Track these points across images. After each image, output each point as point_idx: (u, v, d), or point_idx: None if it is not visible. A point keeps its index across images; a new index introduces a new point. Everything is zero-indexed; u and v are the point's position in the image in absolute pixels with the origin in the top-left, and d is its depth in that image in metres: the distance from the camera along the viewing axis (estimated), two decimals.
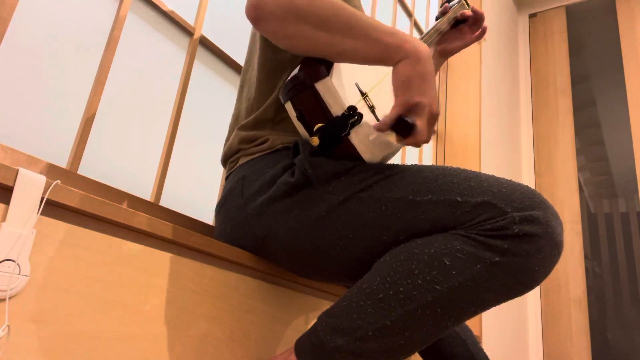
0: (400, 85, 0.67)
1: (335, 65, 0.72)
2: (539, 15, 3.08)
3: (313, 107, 0.71)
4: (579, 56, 2.88)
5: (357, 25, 0.67)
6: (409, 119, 0.66)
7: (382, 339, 0.62)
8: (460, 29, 1.04)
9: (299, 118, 0.72)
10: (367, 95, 0.75)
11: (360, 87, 0.75)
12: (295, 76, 0.72)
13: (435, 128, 2.04)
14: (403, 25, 2.07)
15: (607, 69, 2.76)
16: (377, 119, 0.75)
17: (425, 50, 0.68)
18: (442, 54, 1.06)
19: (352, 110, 0.70)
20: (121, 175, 0.89)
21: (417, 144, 0.68)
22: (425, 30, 1.91)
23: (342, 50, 0.68)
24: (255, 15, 0.67)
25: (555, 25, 3.00)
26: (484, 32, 1.03)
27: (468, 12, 1.02)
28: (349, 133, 0.71)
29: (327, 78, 0.70)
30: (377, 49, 0.67)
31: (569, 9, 3.01)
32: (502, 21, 2.74)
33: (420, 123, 0.66)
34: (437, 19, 1.02)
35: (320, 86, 0.70)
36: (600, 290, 2.43)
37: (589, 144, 2.70)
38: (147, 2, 0.98)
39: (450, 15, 1.01)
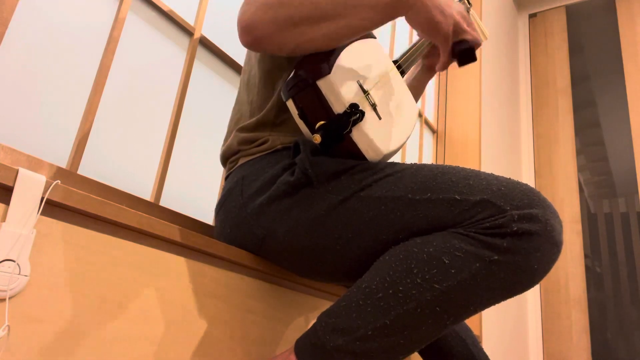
0: (428, 30, 0.70)
1: (337, 62, 0.72)
2: (539, 15, 3.08)
3: (315, 104, 0.71)
4: (579, 56, 2.88)
5: (348, 2, 0.66)
6: (464, 46, 0.72)
7: (381, 339, 0.62)
8: None
9: (301, 116, 0.72)
10: (369, 93, 0.75)
11: (363, 85, 0.75)
12: (296, 74, 0.72)
13: (432, 123, 2.03)
14: (403, 24, 2.07)
15: (607, 69, 2.76)
16: (379, 117, 0.75)
17: None
18: (430, 69, 1.01)
19: (354, 107, 0.70)
20: (121, 175, 0.89)
21: (479, 46, 0.76)
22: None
23: (347, 30, 0.68)
24: (250, 40, 0.67)
25: (555, 25, 3.00)
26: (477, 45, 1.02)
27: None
28: (350, 131, 0.71)
29: (329, 75, 0.70)
30: (379, 12, 0.67)
31: (569, 9, 3.01)
32: (502, 21, 2.74)
33: (468, 36, 0.73)
34: None
35: (322, 84, 0.70)
36: (600, 290, 2.43)
37: (589, 144, 2.70)
38: (147, 2, 0.98)
39: None
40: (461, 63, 0.73)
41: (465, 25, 0.73)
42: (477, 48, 0.76)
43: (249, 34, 0.67)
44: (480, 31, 1.05)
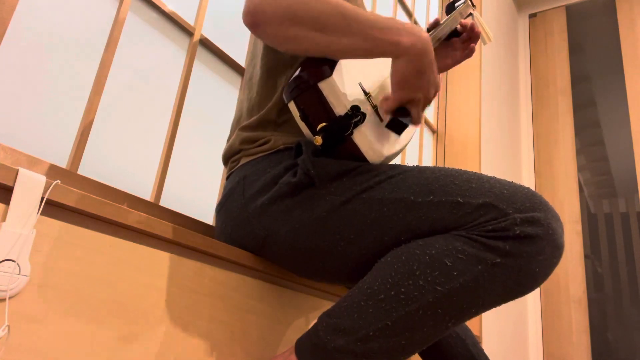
0: (397, 83, 0.69)
1: (339, 64, 0.72)
2: (539, 15, 3.08)
3: (316, 106, 0.71)
4: (579, 56, 2.88)
5: (354, 22, 0.67)
6: (402, 117, 0.70)
7: (382, 340, 0.61)
8: (453, 43, 1.01)
9: (302, 118, 0.72)
10: (370, 95, 0.75)
11: (364, 87, 0.75)
12: (298, 76, 0.72)
13: (432, 123, 2.03)
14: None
15: (607, 69, 2.76)
16: (380, 119, 0.76)
17: (423, 41, 0.68)
18: None
19: (355, 109, 0.70)
20: (121, 175, 0.89)
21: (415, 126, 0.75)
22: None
23: (340, 49, 0.68)
24: (252, 21, 0.68)
25: (555, 25, 3.00)
26: (472, 52, 1.00)
27: (466, 21, 0.99)
28: (352, 133, 0.71)
29: (331, 78, 0.70)
30: (375, 46, 0.68)
31: (569, 9, 3.01)
32: (502, 21, 2.74)
33: (415, 113, 0.72)
34: (431, 29, 0.98)
35: (323, 86, 0.70)
36: (600, 290, 2.43)
37: (589, 144, 2.70)
38: (147, 3, 0.98)
39: (455, 15, 0.98)
40: (387, 125, 0.71)
41: (421, 105, 0.71)
42: (414, 124, 0.73)
43: (253, 16, 0.68)
44: (484, 33, 1.05)
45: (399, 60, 0.68)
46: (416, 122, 0.72)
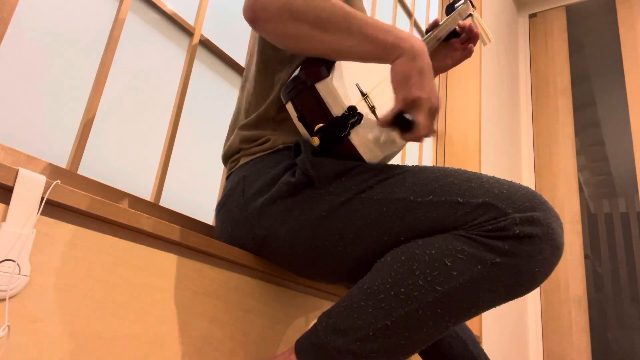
0: (399, 82, 0.68)
1: (336, 65, 0.72)
2: (539, 15, 3.08)
3: (313, 107, 0.71)
4: (579, 56, 2.88)
5: (354, 24, 0.67)
6: (409, 116, 0.67)
7: (382, 340, 0.61)
8: (452, 44, 1.01)
9: (300, 118, 0.72)
10: (367, 96, 0.75)
11: (361, 88, 0.75)
12: (296, 77, 0.72)
13: (436, 126, 2.04)
14: (403, 25, 2.07)
15: (607, 69, 2.76)
16: (378, 120, 0.75)
17: (422, 45, 0.69)
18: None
19: (352, 110, 0.70)
20: (121, 175, 0.89)
21: (419, 139, 0.69)
22: (424, 31, 1.91)
23: (339, 49, 0.68)
24: (252, 16, 0.68)
25: (555, 25, 3.00)
26: (471, 52, 1.00)
27: (466, 23, 0.99)
28: (349, 133, 0.71)
29: (328, 78, 0.70)
30: (374, 47, 0.68)
31: (569, 9, 3.00)
32: (502, 21, 2.74)
33: (420, 118, 0.67)
34: (430, 29, 0.98)
35: (320, 86, 0.70)
36: (600, 290, 2.43)
37: (589, 144, 2.70)
38: (147, 3, 0.98)
39: (455, 15, 0.98)
40: (394, 127, 0.68)
41: (426, 110, 0.67)
42: (417, 136, 0.68)
43: (254, 11, 0.68)
44: (484, 34, 1.05)
45: (399, 60, 0.68)
46: (423, 127, 0.67)
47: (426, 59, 0.68)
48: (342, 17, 0.67)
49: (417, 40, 0.69)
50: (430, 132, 0.70)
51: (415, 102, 0.67)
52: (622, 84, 2.67)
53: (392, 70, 0.69)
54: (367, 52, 0.68)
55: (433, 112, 0.69)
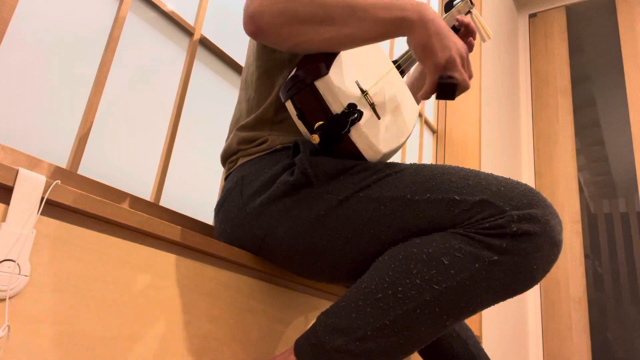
0: (422, 54, 0.69)
1: (336, 62, 0.72)
2: (539, 15, 3.08)
3: (313, 105, 0.71)
4: (579, 56, 2.88)
5: (357, 9, 0.67)
6: (446, 81, 0.68)
7: (381, 339, 0.62)
8: None
9: (299, 116, 0.72)
10: (367, 93, 0.75)
11: (361, 85, 0.75)
12: (295, 75, 0.72)
13: (432, 123, 2.03)
14: None
15: (607, 69, 2.76)
16: (378, 117, 0.75)
17: (427, 9, 0.69)
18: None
19: (351, 107, 0.70)
20: (121, 175, 0.89)
21: (466, 90, 0.72)
22: None
23: (347, 38, 0.68)
24: (254, 29, 0.67)
25: (555, 25, 3.00)
26: (471, 46, 1.00)
27: (465, 19, 0.99)
28: (349, 131, 0.71)
29: (327, 76, 0.70)
30: (382, 27, 0.68)
31: (569, 9, 3.00)
32: (502, 21, 2.74)
33: (458, 75, 0.69)
34: None
35: (320, 84, 0.70)
36: (600, 290, 2.43)
37: (589, 144, 2.70)
38: (147, 2, 0.98)
39: (453, 12, 0.99)
40: (439, 96, 0.70)
41: (459, 64, 0.70)
42: (462, 90, 0.72)
43: (254, 23, 0.67)
44: (483, 31, 1.05)
45: (413, 34, 0.68)
46: (463, 81, 0.70)
47: (437, 21, 0.68)
48: (342, 5, 0.66)
49: (422, 4, 0.69)
50: (470, 76, 0.74)
51: (446, 62, 0.68)
52: (622, 84, 2.67)
53: (410, 45, 0.69)
54: (377, 34, 0.68)
55: (465, 61, 0.71)
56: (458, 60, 0.69)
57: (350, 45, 0.69)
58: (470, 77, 0.74)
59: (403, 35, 0.69)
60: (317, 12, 0.66)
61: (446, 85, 0.68)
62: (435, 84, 0.69)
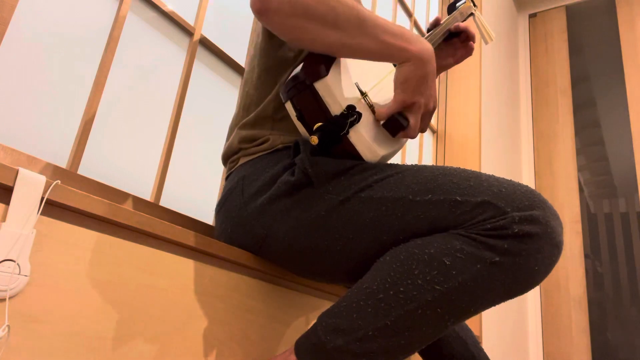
0: (400, 85, 0.71)
1: (335, 64, 0.72)
2: (539, 15, 3.08)
3: (312, 106, 0.71)
4: (579, 56, 2.88)
5: (366, 24, 0.68)
6: (401, 119, 0.72)
7: (382, 339, 0.61)
8: (453, 43, 1.01)
9: (299, 117, 0.72)
10: (366, 95, 0.75)
11: (360, 87, 0.75)
12: (295, 76, 0.72)
13: (428, 126, 2.03)
14: (403, 25, 2.07)
15: (607, 69, 2.76)
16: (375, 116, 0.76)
17: (429, 50, 0.72)
18: None
19: (351, 109, 0.70)
20: (121, 175, 0.89)
21: (408, 137, 0.75)
22: (424, 31, 1.91)
23: (348, 48, 0.69)
24: (261, 7, 0.66)
25: (555, 25, 3.00)
26: (471, 49, 1.01)
27: (462, 26, 0.99)
28: (348, 132, 0.71)
29: (327, 78, 0.70)
30: (383, 48, 0.70)
31: (569, 9, 3.01)
32: (502, 21, 2.74)
33: (413, 120, 0.73)
34: (432, 28, 0.98)
35: (319, 86, 0.70)
36: (600, 290, 2.43)
37: (589, 144, 2.70)
38: (147, 2, 0.98)
39: (456, 14, 0.99)
40: (384, 125, 0.73)
41: (420, 113, 0.73)
42: (406, 135, 0.74)
43: (262, 3, 0.66)
44: (485, 33, 1.05)
45: (405, 65, 0.71)
46: (413, 129, 0.74)
47: (431, 65, 0.72)
48: (354, 17, 0.68)
49: (426, 44, 0.72)
50: (424, 129, 0.78)
51: (412, 105, 0.72)
52: (622, 84, 2.67)
53: (397, 71, 0.71)
54: (375, 53, 0.70)
55: (428, 115, 0.75)
56: (422, 110, 0.73)
57: (348, 55, 0.71)
58: (423, 130, 0.78)
59: (397, 62, 0.72)
60: (327, 13, 0.66)
61: (396, 122, 0.72)
62: (390, 115, 0.73)
